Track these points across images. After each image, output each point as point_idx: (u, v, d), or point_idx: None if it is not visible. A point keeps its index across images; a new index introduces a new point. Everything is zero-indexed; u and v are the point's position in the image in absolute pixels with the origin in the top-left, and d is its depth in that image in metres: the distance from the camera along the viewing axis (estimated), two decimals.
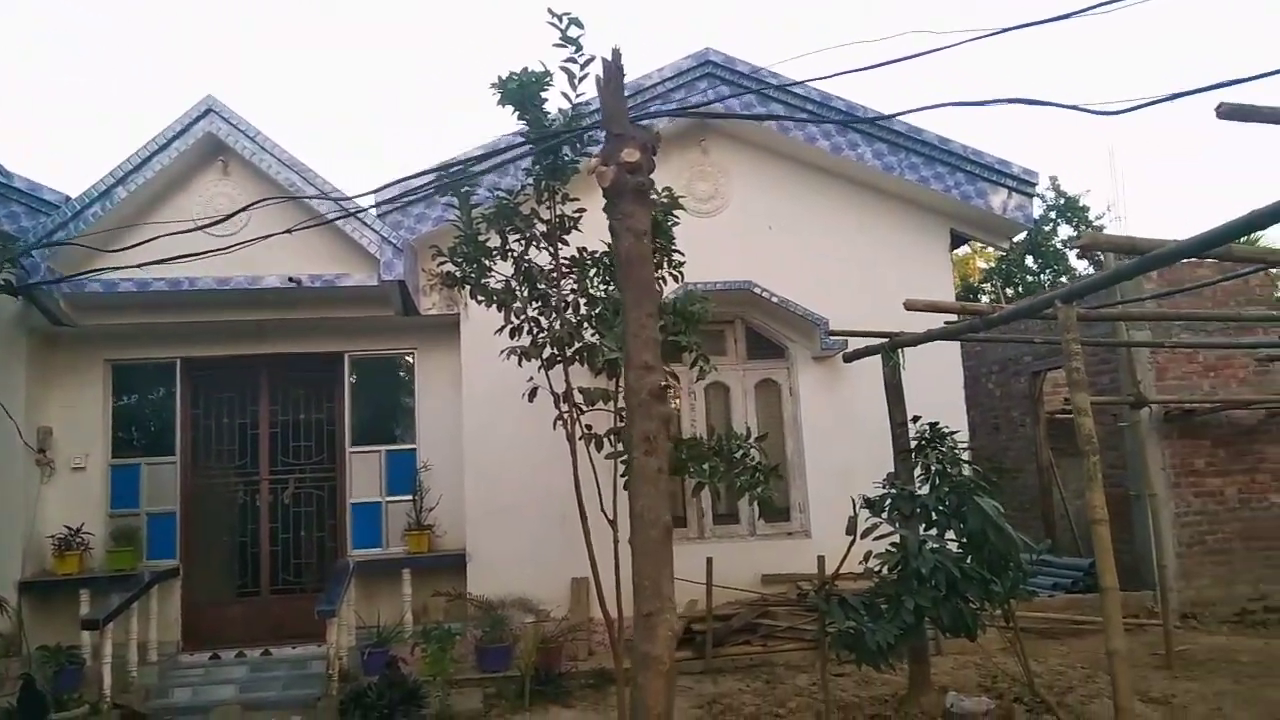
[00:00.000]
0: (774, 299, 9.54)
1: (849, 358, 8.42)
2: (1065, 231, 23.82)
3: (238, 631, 9.57)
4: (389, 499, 9.84)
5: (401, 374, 10.24)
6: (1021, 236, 23.27)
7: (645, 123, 3.87)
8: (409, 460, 9.87)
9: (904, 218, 10.09)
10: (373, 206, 9.08)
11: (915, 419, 6.73)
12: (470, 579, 9.24)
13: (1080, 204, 22.81)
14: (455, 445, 9.49)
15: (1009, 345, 13.01)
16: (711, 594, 8.83)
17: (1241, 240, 9.15)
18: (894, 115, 7.74)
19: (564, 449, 7.07)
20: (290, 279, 8.68)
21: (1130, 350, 8.56)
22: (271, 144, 8.81)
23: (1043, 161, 41.99)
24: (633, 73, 9.45)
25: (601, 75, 3.94)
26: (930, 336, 6.70)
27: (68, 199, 8.65)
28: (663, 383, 3.29)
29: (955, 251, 27.08)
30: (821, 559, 7.57)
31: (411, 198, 9.03)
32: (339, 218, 8.57)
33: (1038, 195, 10.20)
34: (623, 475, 6.89)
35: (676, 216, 7.59)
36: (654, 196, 7.34)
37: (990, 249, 25.44)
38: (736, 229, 9.86)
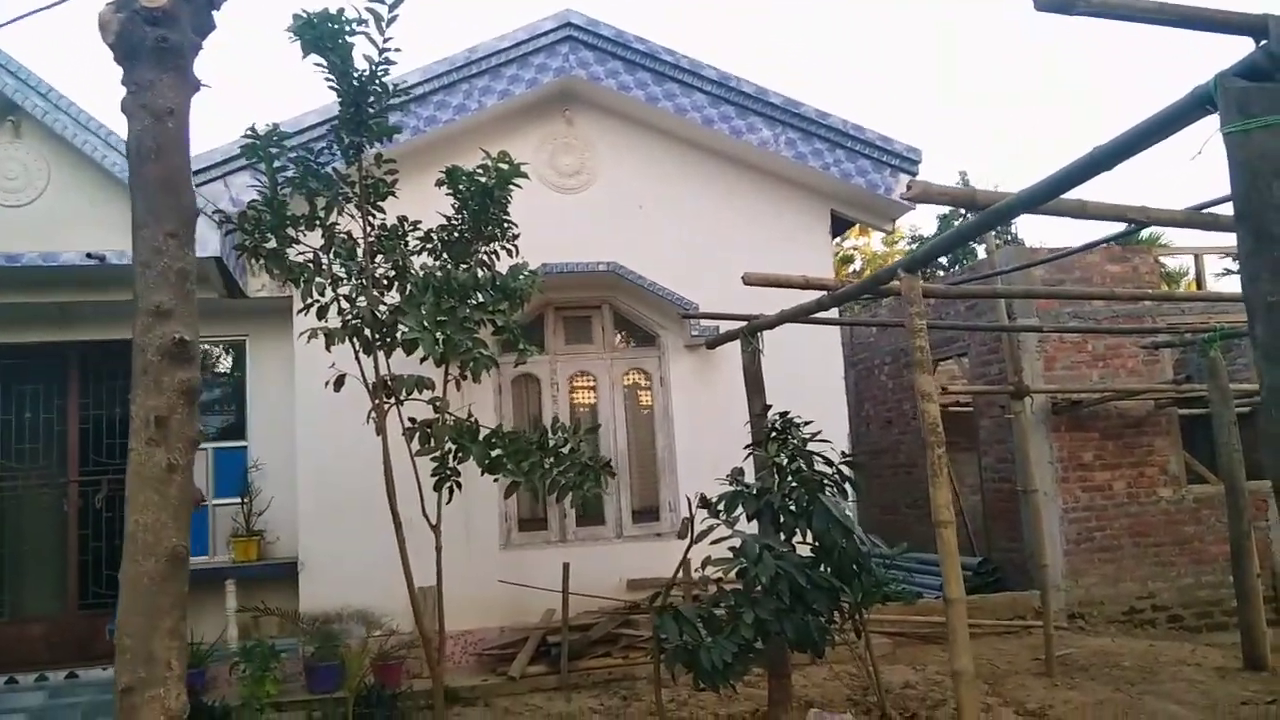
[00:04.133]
0: (642, 282, 8.83)
1: (712, 344, 7.77)
2: None
3: (39, 652, 8.53)
4: (216, 501, 8.86)
5: (231, 363, 9.27)
6: (935, 223, 23.06)
7: None
8: (239, 459, 8.92)
9: (783, 197, 9.46)
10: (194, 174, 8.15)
11: (768, 408, 6.07)
12: (303, 589, 8.35)
13: None
14: (290, 442, 8.58)
15: (901, 334, 12.52)
16: (568, 603, 8.09)
17: (1138, 237, 8.79)
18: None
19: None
20: (90, 255, 7.66)
21: (1011, 337, 8.05)
22: (68, 103, 7.80)
23: (952, 155, 42.31)
24: (489, 34, 8.74)
25: None
26: (784, 318, 6.05)
27: None
28: (183, 335, 2.45)
29: (865, 245, 26.75)
30: (687, 562, 6.91)
31: (236, 165, 8.09)
32: None
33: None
34: (432, 475, 6.13)
35: (518, 184, 6.81)
36: (488, 160, 6.64)
37: (899, 243, 25.29)
38: (604, 207, 9.13)
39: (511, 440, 5.71)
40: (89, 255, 7.68)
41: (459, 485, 6.18)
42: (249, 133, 6.45)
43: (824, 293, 5.48)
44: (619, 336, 9.50)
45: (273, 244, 6.17)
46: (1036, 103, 44.77)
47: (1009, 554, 10.64)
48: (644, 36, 8.81)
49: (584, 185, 9.18)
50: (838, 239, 25.96)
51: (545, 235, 8.41)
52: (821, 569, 5.46)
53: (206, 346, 9.34)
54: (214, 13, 2.54)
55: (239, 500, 8.71)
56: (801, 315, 5.89)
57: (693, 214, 9.24)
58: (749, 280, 5.83)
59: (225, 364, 9.38)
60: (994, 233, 8.31)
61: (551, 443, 5.66)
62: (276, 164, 6.23)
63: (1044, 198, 3.28)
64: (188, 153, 2.58)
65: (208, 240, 7.69)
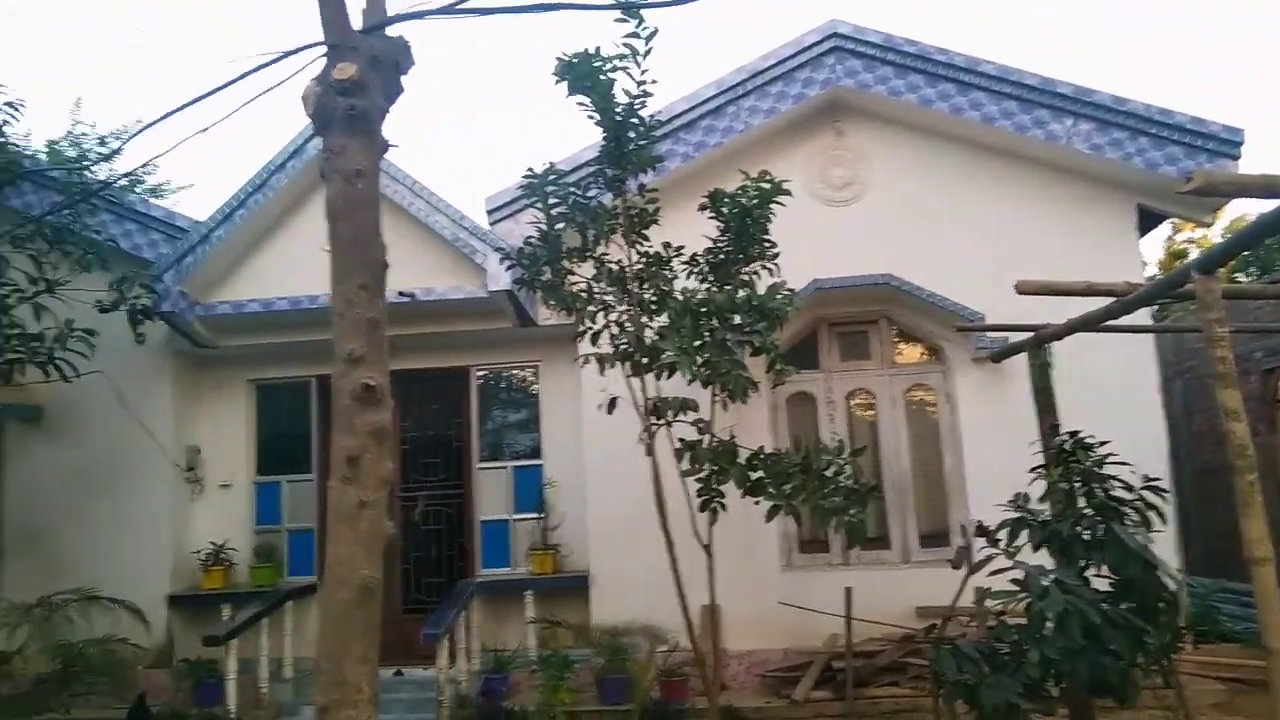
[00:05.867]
0: (921, 294, 8.43)
1: (997, 357, 7.22)
2: None
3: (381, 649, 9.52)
4: (516, 517, 9.52)
5: (527, 388, 9.93)
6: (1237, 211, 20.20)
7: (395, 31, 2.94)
8: (536, 477, 9.51)
9: (1079, 194, 8.66)
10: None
11: (1054, 427, 5.56)
12: (594, 603, 8.73)
13: None
14: (579, 461, 9.03)
15: (1240, 337, 11.01)
16: (851, 627, 7.85)
17: None
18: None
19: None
20: (401, 293, 8.52)
21: None
22: (384, 162, 8.72)
23: None
24: (756, 52, 8.78)
25: None
26: (1071, 328, 5.51)
27: (196, 223, 8.95)
28: (372, 381, 2.52)
29: (1203, 238, 23.83)
30: (983, 591, 6.51)
31: (522, 204, 8.66)
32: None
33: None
34: (698, 496, 6.19)
35: (782, 202, 6.76)
36: (750, 180, 6.64)
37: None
38: (878, 217, 8.83)
39: (773, 462, 5.64)
40: (400, 294, 8.53)
41: (723, 506, 6.20)
42: (528, 173, 6.90)
43: (1113, 299, 4.94)
44: (899, 351, 9.13)
45: (548, 276, 6.54)
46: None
47: None
48: (913, 39, 8.46)
49: (856, 196, 8.94)
50: (1165, 232, 23.28)
51: (817, 250, 8.31)
52: (1120, 606, 4.90)
53: (510, 371, 10.06)
54: (401, 78, 2.74)
55: (536, 516, 9.28)
56: (1092, 324, 5.34)
57: (975, 218, 8.70)
58: (1022, 289, 5.38)
59: (527, 388, 10.01)
60: None
61: (816, 465, 5.52)
62: (550, 201, 6.61)
63: None
64: (377, 210, 2.78)
65: (500, 276, 8.32)
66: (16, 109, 7.89)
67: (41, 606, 8.23)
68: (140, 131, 4.29)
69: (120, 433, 9.11)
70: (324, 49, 2.73)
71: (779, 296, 6.06)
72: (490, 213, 8.80)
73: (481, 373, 9.84)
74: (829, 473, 5.48)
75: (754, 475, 5.59)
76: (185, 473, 9.52)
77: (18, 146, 8.16)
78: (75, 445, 9.39)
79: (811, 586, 8.44)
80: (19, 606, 8.23)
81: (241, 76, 2.88)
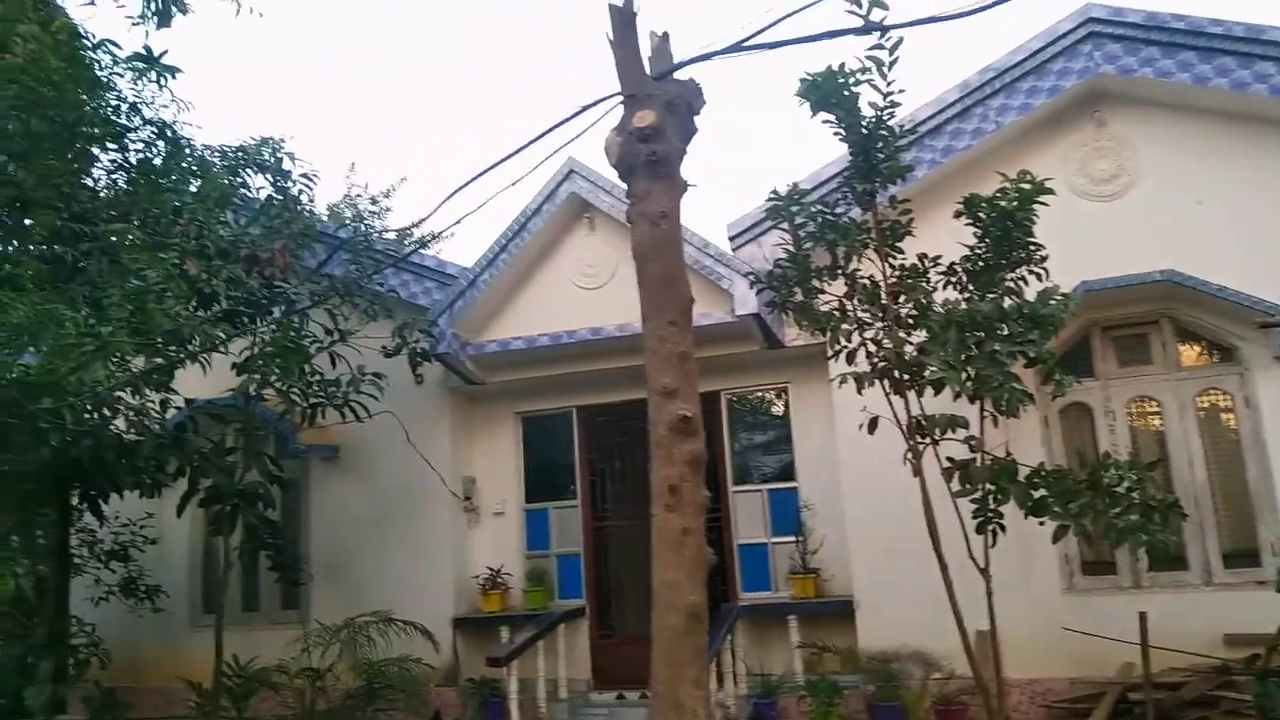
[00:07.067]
0: (1208, 289, 7.69)
1: None
2: None
3: (642, 671, 9.67)
4: (774, 540, 9.48)
5: (777, 410, 9.89)
6: None
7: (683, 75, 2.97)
8: (791, 499, 9.43)
9: None
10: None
11: None
12: (860, 628, 8.52)
13: None
14: (835, 482, 8.88)
15: None
16: (1148, 656, 7.21)
17: None
18: None
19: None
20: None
21: None
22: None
23: None
24: (1005, 48, 8.39)
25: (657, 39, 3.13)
26: None
27: (463, 270, 9.62)
28: (687, 412, 2.49)
29: None
30: None
31: (765, 227, 8.68)
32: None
33: None
34: (974, 517, 5.90)
35: (1044, 201, 6.39)
36: (1009, 181, 6.32)
37: None
38: (1151, 209, 8.15)
39: (1056, 479, 5.29)
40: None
41: (1002, 528, 5.88)
42: (772, 195, 6.93)
43: None
44: (1185, 353, 8.36)
45: (799, 296, 6.52)
46: None
47: None
48: (1181, 14, 7.79)
49: (1124, 189, 8.30)
50: None
51: (1082, 250, 7.82)
52: None
53: (759, 394, 10.08)
54: (694, 118, 2.81)
55: (794, 539, 9.20)
56: None
57: (1265, 202, 7.83)
58: None
59: (777, 410, 9.99)
60: None
61: (1105, 480, 5.13)
62: (797, 221, 6.59)
63: None
64: (681, 250, 2.87)
65: (747, 299, 8.38)
66: (312, 180, 8.85)
67: (347, 628, 9.02)
68: (453, 195, 4.68)
69: (405, 467, 9.90)
70: (620, 99, 2.89)
71: (1052, 302, 5.71)
72: (732, 238, 8.87)
73: (730, 396, 9.92)
74: (1120, 489, 5.07)
75: (1036, 494, 5.28)
76: (463, 502, 10.21)
77: (313, 213, 9.11)
78: (367, 480, 10.31)
79: (1097, 611, 7.84)
80: (329, 628, 9.06)
81: (546, 132, 3.11)
